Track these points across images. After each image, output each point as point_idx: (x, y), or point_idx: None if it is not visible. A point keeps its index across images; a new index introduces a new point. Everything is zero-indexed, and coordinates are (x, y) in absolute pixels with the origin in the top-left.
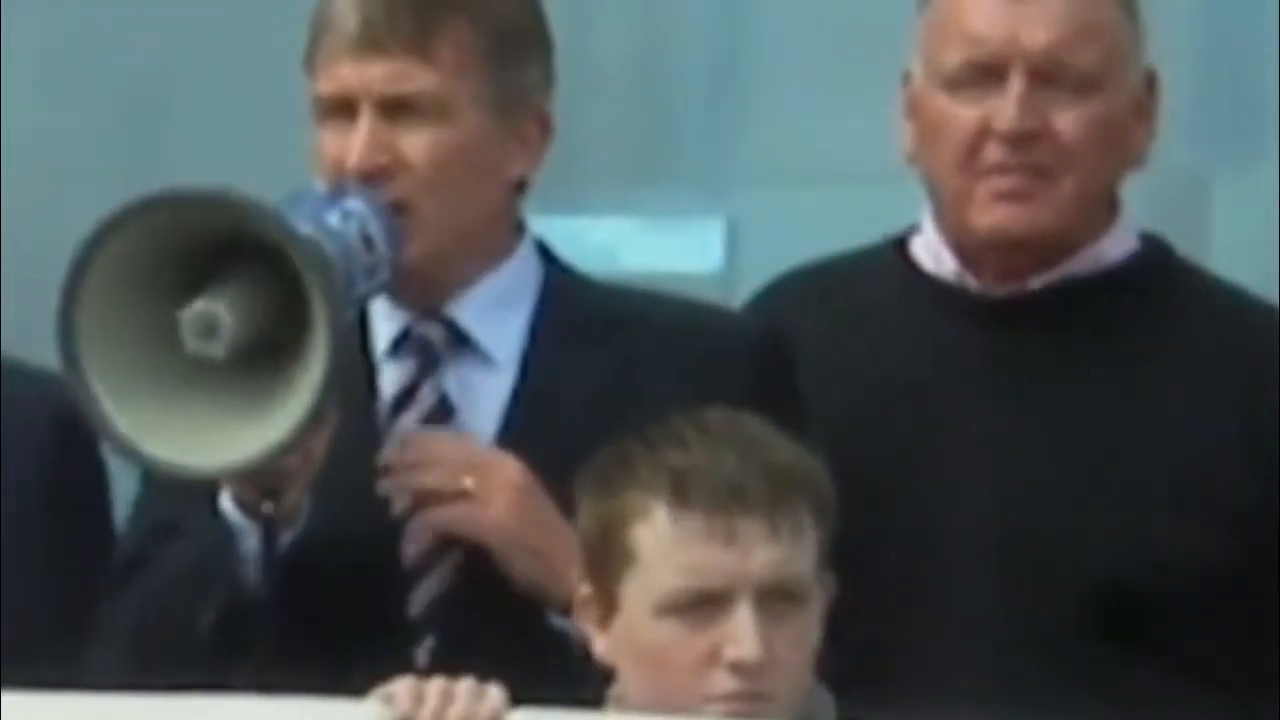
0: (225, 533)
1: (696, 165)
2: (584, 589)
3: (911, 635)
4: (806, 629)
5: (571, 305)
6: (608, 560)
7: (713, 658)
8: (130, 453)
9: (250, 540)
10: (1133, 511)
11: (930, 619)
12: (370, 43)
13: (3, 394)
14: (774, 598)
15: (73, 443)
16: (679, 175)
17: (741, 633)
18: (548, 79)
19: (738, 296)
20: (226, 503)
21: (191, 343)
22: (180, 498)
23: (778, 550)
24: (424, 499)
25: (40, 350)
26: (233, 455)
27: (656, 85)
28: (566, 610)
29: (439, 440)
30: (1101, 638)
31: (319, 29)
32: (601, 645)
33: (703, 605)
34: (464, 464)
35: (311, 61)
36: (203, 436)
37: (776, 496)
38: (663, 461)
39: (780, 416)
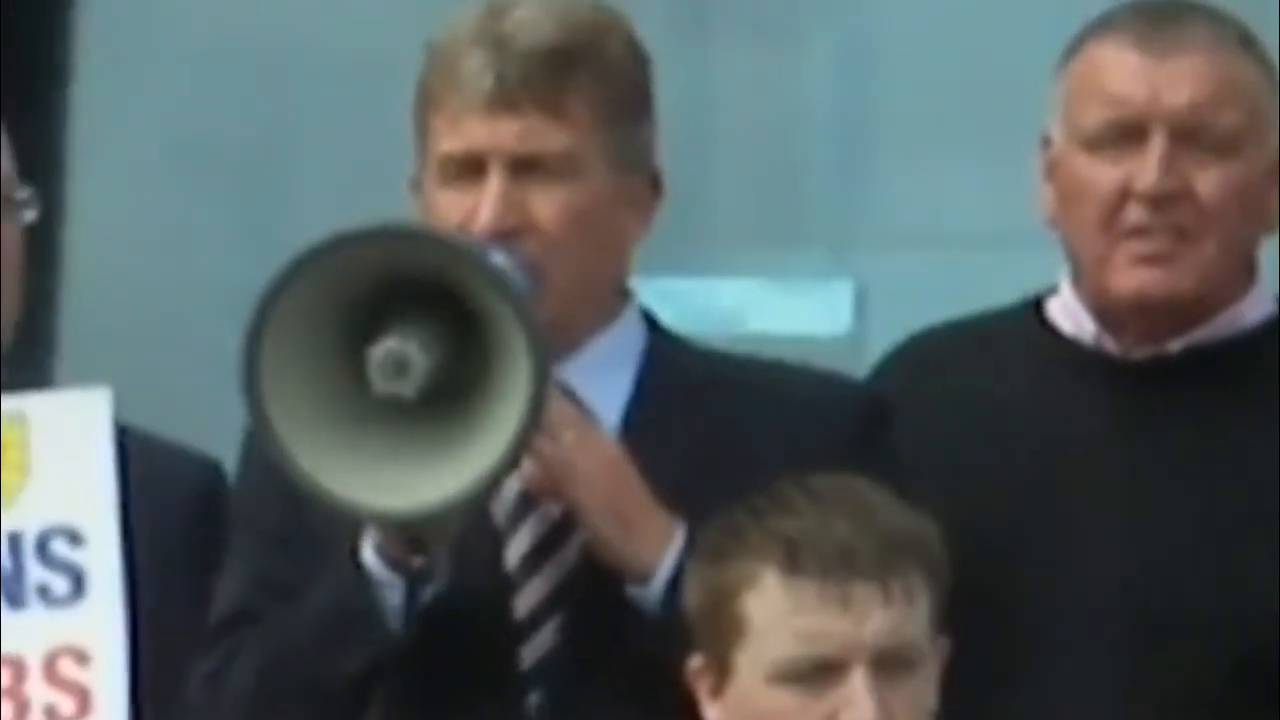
0: (367, 585)
1: (825, 227)
2: (696, 659)
3: (1042, 701)
4: (922, 693)
5: (672, 367)
6: (719, 630)
7: None
8: (317, 493)
9: (391, 594)
10: (1274, 576)
11: (1063, 685)
12: (504, 101)
13: (135, 469)
14: (889, 663)
15: (209, 519)
16: (807, 237)
17: (858, 699)
18: (654, 141)
19: (866, 359)
20: (369, 555)
21: (381, 382)
22: (282, 553)
23: (892, 615)
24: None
25: (165, 409)
26: (418, 499)
27: (784, 147)
28: (643, 579)
29: (551, 394)
30: (1241, 704)
31: (442, 88)
32: (715, 714)
33: (818, 672)
34: (564, 422)
35: (428, 121)
36: (383, 478)
37: (889, 560)
38: (773, 528)
39: (876, 480)
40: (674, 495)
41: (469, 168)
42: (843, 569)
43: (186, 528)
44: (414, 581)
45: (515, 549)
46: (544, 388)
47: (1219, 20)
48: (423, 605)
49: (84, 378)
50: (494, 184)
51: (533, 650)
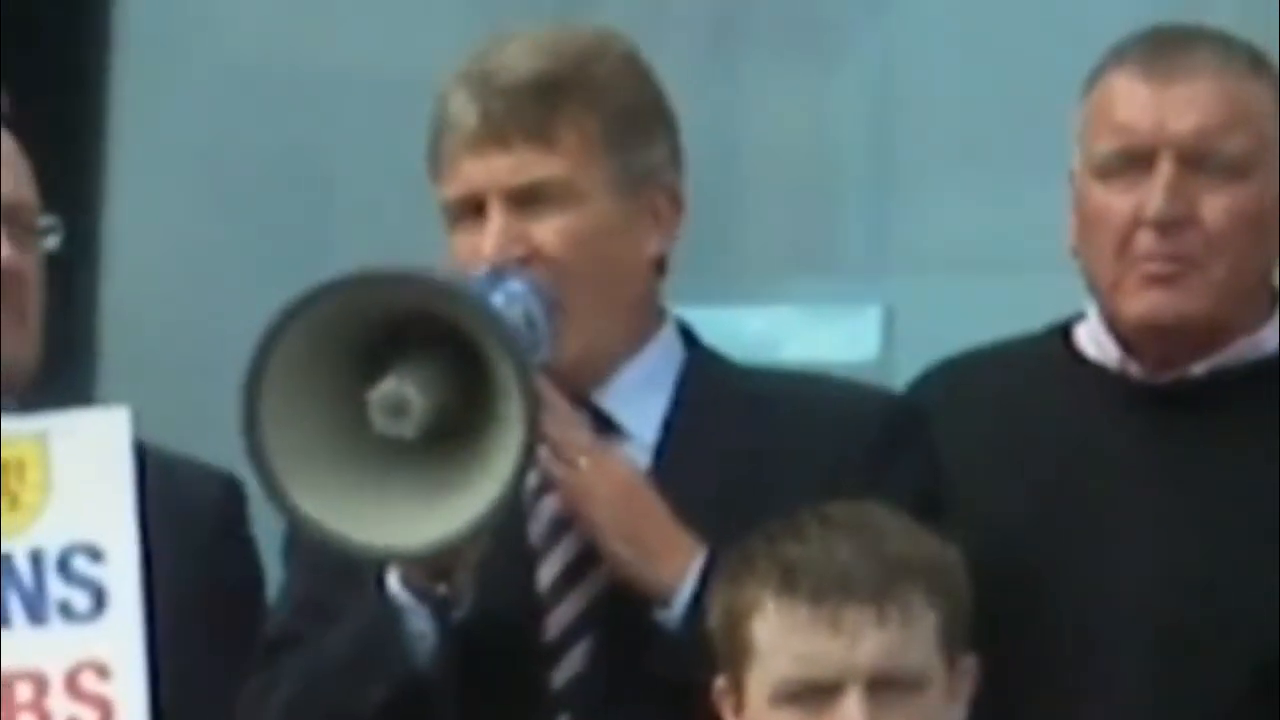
0: (392, 613)
1: (853, 253)
2: (720, 680)
3: (1069, 709)
4: (928, 714)
5: (709, 385)
6: (733, 652)
7: None
8: (317, 533)
9: (418, 621)
10: None
11: (1090, 706)
12: (491, 136)
13: (153, 485)
14: (886, 684)
15: (229, 535)
16: (835, 264)
17: None
18: (675, 156)
19: (895, 385)
20: (394, 584)
21: (380, 423)
22: (328, 578)
23: (887, 637)
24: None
25: (206, 438)
26: (420, 537)
27: (814, 174)
28: (663, 602)
29: (566, 420)
30: (1262, 713)
31: (438, 132)
32: None
33: (814, 694)
34: (580, 448)
35: (435, 167)
36: (385, 517)
37: (886, 584)
38: (777, 554)
39: (907, 480)
40: (711, 512)
41: (471, 208)
42: (837, 593)
43: (205, 542)
44: (439, 609)
45: (548, 571)
46: (536, 423)
47: (1228, 44)
48: (450, 630)
49: (123, 401)
50: (494, 219)
51: (563, 672)
